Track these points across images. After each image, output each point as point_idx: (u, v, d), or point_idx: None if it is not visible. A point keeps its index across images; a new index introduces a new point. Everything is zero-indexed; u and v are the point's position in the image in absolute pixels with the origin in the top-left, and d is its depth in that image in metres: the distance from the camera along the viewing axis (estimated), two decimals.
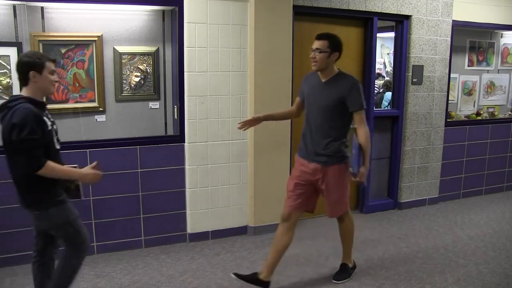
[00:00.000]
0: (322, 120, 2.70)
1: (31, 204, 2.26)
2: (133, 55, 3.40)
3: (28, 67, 2.17)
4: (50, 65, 2.22)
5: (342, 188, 2.80)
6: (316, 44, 2.63)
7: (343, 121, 2.70)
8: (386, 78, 6.22)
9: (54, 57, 3.14)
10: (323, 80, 2.71)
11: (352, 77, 2.72)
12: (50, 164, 2.14)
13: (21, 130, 2.07)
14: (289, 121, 3.64)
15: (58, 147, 2.32)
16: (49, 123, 2.24)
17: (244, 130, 2.95)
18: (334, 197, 2.79)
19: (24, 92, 2.20)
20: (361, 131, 2.66)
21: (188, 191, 3.53)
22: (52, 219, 2.27)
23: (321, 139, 2.70)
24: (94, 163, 2.37)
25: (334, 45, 2.64)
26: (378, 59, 4.53)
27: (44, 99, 2.33)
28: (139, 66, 3.44)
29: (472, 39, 5.11)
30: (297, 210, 2.81)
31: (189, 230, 3.60)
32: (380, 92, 5.79)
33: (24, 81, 2.20)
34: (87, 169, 2.33)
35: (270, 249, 2.86)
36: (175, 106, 3.54)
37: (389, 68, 5.02)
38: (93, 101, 3.34)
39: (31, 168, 2.12)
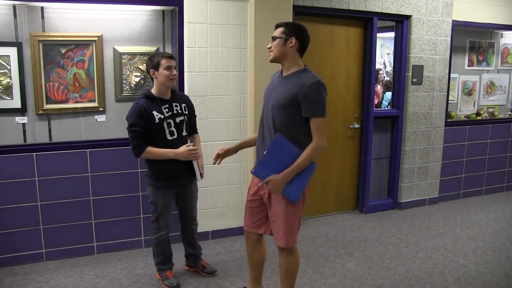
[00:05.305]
0: (274, 120, 2.24)
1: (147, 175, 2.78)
2: (133, 55, 3.40)
3: (149, 66, 2.62)
4: (165, 62, 2.56)
5: (290, 213, 2.26)
6: (274, 33, 2.29)
7: (297, 126, 2.21)
8: (386, 78, 6.21)
9: (54, 56, 3.17)
10: (283, 75, 2.30)
11: (315, 76, 2.20)
12: (149, 149, 2.56)
13: (127, 122, 2.58)
14: None
15: (170, 138, 2.64)
16: (159, 116, 2.58)
17: (218, 164, 2.52)
18: (278, 222, 2.29)
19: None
20: (313, 142, 2.20)
21: None
22: (148, 193, 2.78)
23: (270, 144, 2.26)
24: (191, 145, 2.69)
25: (291, 31, 2.24)
26: (378, 59, 4.52)
27: (168, 94, 2.68)
28: (139, 66, 3.44)
29: (472, 39, 5.12)
30: (256, 230, 2.47)
31: None
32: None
33: (150, 78, 2.69)
34: (182, 148, 2.62)
35: (248, 264, 2.63)
36: None
37: (389, 68, 5.01)
38: (93, 101, 3.34)
39: (133, 152, 2.59)
